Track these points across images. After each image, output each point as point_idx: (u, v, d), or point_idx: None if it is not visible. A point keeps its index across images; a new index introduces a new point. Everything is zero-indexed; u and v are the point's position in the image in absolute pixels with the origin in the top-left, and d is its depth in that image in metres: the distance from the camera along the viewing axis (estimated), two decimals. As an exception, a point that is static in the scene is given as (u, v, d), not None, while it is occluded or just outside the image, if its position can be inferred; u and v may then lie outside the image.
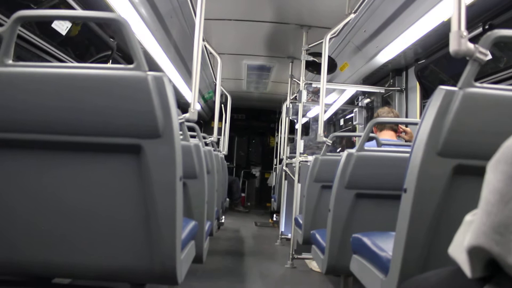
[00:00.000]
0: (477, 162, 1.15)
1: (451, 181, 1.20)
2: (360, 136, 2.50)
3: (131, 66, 1.29)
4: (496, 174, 0.54)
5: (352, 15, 3.42)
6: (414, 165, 1.21)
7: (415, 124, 3.51)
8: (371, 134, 2.50)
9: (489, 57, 1.19)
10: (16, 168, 1.32)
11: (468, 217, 0.62)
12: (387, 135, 3.03)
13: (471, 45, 1.18)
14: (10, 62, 1.31)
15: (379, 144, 2.60)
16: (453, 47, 1.20)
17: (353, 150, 2.16)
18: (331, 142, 3.06)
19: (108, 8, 2.96)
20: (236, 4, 3.95)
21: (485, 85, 1.21)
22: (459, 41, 1.19)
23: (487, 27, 2.82)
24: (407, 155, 1.32)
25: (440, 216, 1.21)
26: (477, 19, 2.88)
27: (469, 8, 1.28)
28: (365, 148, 2.17)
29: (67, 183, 1.33)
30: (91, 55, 3.55)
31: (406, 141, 3.37)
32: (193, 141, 2.38)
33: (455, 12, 1.24)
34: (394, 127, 3.06)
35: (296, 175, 4.06)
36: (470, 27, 1.25)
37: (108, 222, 1.33)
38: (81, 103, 1.28)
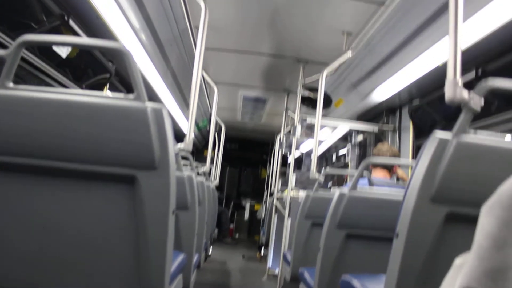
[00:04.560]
0: (469, 210, 1.16)
1: (443, 228, 1.20)
2: (352, 175, 2.51)
3: (131, 96, 1.30)
4: (490, 218, 0.54)
5: (349, 53, 3.48)
6: (406, 210, 1.21)
7: (408, 166, 3.53)
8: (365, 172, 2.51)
9: (483, 103, 1.22)
10: (9, 192, 1.31)
11: (458, 261, 0.62)
12: (380, 174, 3.04)
13: (466, 94, 1.20)
14: (11, 85, 1.31)
15: (370, 183, 2.61)
16: (448, 95, 1.22)
17: (345, 190, 2.16)
18: (323, 179, 3.07)
19: (109, 32, 3.00)
20: (235, 35, 4.01)
21: (478, 134, 1.23)
22: (455, 90, 1.22)
23: (479, 73, 2.88)
24: (399, 197, 1.32)
25: (431, 263, 1.20)
26: (470, 64, 2.93)
27: (462, 53, 1.31)
28: (357, 187, 2.18)
29: (59, 209, 1.32)
30: (88, 77, 3.56)
31: (399, 177, 3.38)
32: (186, 172, 2.37)
33: (450, 61, 1.27)
34: (388, 166, 3.07)
35: (287, 210, 4.04)
36: (463, 71, 1.28)
37: (98, 251, 1.31)
38: (79, 130, 1.28)
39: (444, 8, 2.47)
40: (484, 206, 0.57)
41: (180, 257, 1.93)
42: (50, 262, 1.32)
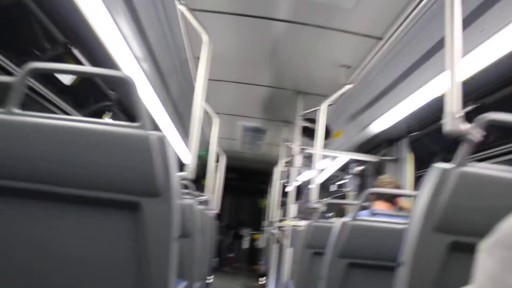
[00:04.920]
0: (473, 240, 1.16)
1: (448, 257, 1.20)
2: (352, 204, 2.50)
3: (135, 124, 1.32)
4: (491, 258, 0.54)
5: (348, 86, 3.53)
6: (410, 239, 1.22)
7: (410, 196, 3.54)
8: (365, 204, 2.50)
9: (481, 135, 1.23)
10: (12, 216, 1.31)
11: None
12: (382, 206, 3.02)
13: (464, 127, 1.23)
14: (17, 111, 1.33)
15: (372, 214, 2.60)
16: (447, 127, 1.25)
17: (347, 219, 2.16)
18: (323, 209, 3.06)
19: (111, 60, 3.04)
20: (235, 67, 4.06)
21: (478, 164, 1.24)
22: (453, 122, 1.24)
23: (479, 104, 2.91)
24: (401, 226, 1.32)
25: (436, 292, 1.20)
26: (469, 97, 2.97)
27: (461, 85, 1.34)
28: (359, 218, 2.17)
29: (61, 234, 1.31)
30: (89, 105, 3.59)
31: (402, 207, 3.36)
32: (187, 200, 2.37)
33: (449, 94, 1.30)
34: (390, 199, 3.06)
35: (288, 240, 4.01)
36: (462, 103, 1.31)
37: (99, 278, 1.30)
38: (83, 156, 1.29)
39: (441, 43, 2.52)
40: (483, 245, 0.56)
41: (182, 285, 1.92)
42: (47, 286, 1.30)
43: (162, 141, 1.31)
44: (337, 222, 2.19)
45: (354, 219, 2.14)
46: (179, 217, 1.37)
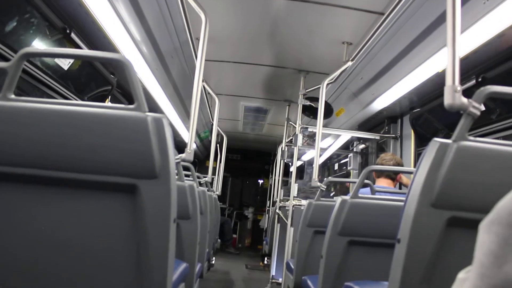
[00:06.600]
0: (471, 215, 1.16)
1: (445, 233, 1.20)
2: (354, 182, 2.50)
3: (131, 106, 1.31)
4: (490, 235, 0.53)
5: (350, 63, 3.50)
6: (408, 215, 1.21)
7: (410, 172, 3.54)
8: (366, 181, 2.50)
9: (483, 108, 1.22)
10: (10, 202, 1.31)
11: (461, 275, 0.61)
12: (384, 183, 3.03)
13: (464, 100, 1.21)
14: (13, 96, 1.32)
15: (373, 191, 2.61)
16: (447, 101, 1.23)
17: (347, 197, 2.16)
18: (325, 187, 3.06)
19: (110, 44, 3.03)
20: (236, 47, 4.03)
21: (478, 138, 1.23)
22: (453, 96, 1.22)
23: (480, 79, 2.89)
24: (401, 203, 1.32)
25: (433, 268, 1.20)
26: (470, 72, 2.94)
27: (462, 61, 1.31)
28: (359, 195, 2.17)
29: (60, 219, 1.32)
30: (90, 90, 3.59)
31: (404, 184, 3.37)
32: (187, 181, 2.37)
33: (449, 67, 1.27)
34: (392, 175, 3.06)
35: (289, 219, 4.03)
36: (463, 79, 1.29)
37: (98, 261, 1.31)
38: (80, 140, 1.29)
39: (443, 17, 2.48)
40: (482, 223, 0.56)
41: (182, 266, 1.93)
42: (51, 271, 1.31)
43: (159, 121, 1.30)
44: (337, 201, 2.19)
45: (354, 196, 2.15)
46: (178, 199, 1.37)
